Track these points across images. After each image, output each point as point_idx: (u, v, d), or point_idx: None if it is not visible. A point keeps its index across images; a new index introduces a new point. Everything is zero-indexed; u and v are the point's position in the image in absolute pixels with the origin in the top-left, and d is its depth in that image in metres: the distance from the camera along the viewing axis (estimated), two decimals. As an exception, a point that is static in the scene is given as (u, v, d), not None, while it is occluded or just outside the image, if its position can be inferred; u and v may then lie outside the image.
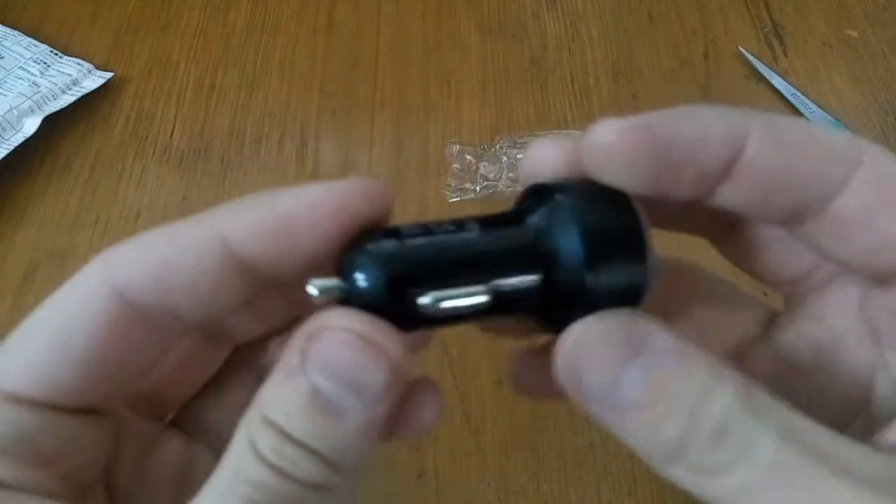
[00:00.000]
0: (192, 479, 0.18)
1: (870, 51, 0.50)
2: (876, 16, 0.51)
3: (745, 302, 0.20)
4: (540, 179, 0.16)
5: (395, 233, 0.15)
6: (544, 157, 0.17)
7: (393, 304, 0.15)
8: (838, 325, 0.17)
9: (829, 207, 0.15)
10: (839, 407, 0.17)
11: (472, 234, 0.15)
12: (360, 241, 0.15)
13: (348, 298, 0.15)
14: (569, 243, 0.15)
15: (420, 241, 0.15)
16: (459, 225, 0.16)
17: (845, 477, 0.13)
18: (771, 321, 0.19)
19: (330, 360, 0.14)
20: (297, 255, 0.15)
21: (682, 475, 0.14)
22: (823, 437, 0.13)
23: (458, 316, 0.15)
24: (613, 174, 0.16)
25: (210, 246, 0.15)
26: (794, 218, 0.16)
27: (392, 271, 0.15)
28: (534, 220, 0.16)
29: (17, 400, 0.15)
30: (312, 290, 0.15)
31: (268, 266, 0.15)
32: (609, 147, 0.15)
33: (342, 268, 0.15)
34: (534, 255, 0.15)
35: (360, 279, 0.15)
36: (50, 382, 0.15)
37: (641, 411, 0.14)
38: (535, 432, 0.35)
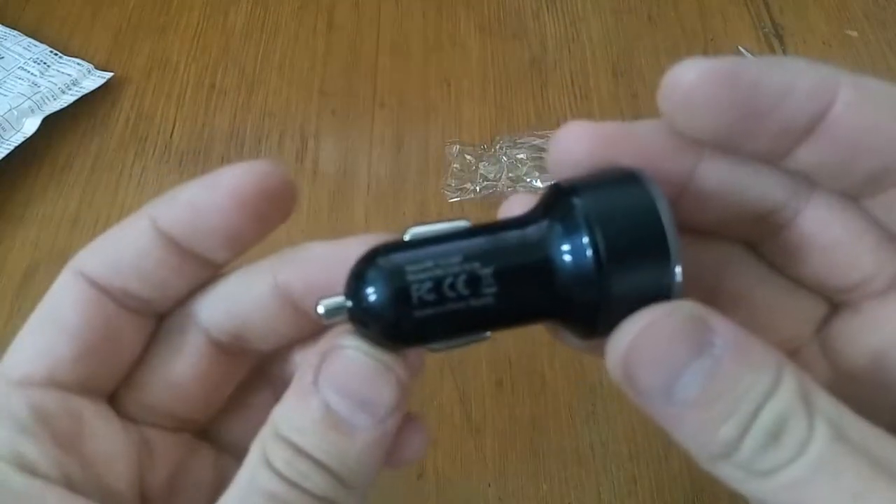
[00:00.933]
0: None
1: (870, 51, 0.50)
2: (876, 16, 0.51)
3: (800, 299, 0.18)
4: (558, 177, 0.16)
5: (396, 249, 0.15)
6: (570, 143, 0.16)
7: (397, 322, 0.15)
8: None
9: None
10: (890, 414, 0.16)
11: (481, 243, 0.15)
12: (362, 261, 0.15)
13: (354, 316, 0.15)
14: (583, 252, 0.14)
15: (420, 256, 0.15)
16: (469, 234, 0.15)
17: (892, 478, 0.12)
18: (825, 322, 0.18)
19: (341, 379, 0.15)
20: (208, 230, 0.17)
21: (727, 472, 0.14)
22: (873, 437, 0.13)
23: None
24: (691, 120, 0.15)
25: (144, 232, 0.17)
26: (871, 185, 0.15)
27: (395, 287, 0.15)
28: (547, 226, 0.15)
29: (27, 383, 0.17)
30: (321, 308, 0.15)
31: (192, 244, 0.17)
32: (689, 89, 0.14)
33: (347, 287, 0.15)
34: (547, 266, 0.15)
35: (363, 298, 0.15)
36: (51, 359, 0.17)
37: (699, 411, 0.13)
38: (535, 432, 0.35)
